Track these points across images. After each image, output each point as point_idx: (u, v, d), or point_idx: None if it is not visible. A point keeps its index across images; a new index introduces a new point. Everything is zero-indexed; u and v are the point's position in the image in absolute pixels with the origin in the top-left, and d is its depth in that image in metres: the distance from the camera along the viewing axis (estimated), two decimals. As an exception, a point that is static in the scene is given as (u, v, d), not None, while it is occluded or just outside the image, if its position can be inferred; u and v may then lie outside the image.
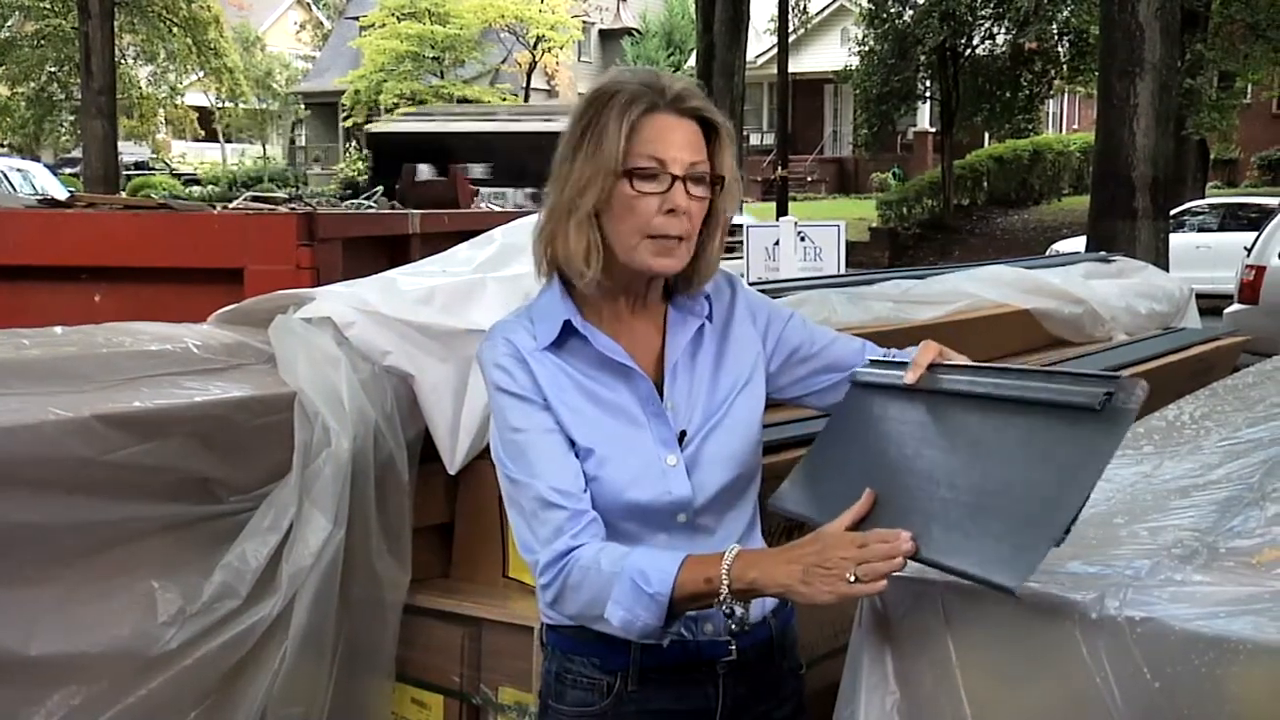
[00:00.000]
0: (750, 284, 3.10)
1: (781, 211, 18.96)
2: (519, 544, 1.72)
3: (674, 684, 1.75)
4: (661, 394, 1.76)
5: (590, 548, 1.64)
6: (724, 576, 1.54)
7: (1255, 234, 10.98)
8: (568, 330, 1.73)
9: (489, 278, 2.78)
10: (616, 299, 1.77)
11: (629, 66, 1.83)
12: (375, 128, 14.63)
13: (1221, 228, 16.17)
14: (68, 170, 28.60)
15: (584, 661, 1.76)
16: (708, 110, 1.73)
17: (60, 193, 12.46)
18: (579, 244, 1.69)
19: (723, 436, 1.77)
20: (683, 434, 1.74)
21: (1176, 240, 11.35)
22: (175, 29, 27.92)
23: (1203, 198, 19.68)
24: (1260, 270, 10.27)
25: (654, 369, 1.78)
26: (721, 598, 1.54)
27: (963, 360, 1.75)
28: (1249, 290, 10.31)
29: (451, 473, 2.58)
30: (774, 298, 3.47)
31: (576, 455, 1.70)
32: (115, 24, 19.57)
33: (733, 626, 1.58)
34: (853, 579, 1.44)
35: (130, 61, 29.52)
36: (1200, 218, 16.79)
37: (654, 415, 1.74)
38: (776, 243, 10.74)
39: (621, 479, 1.69)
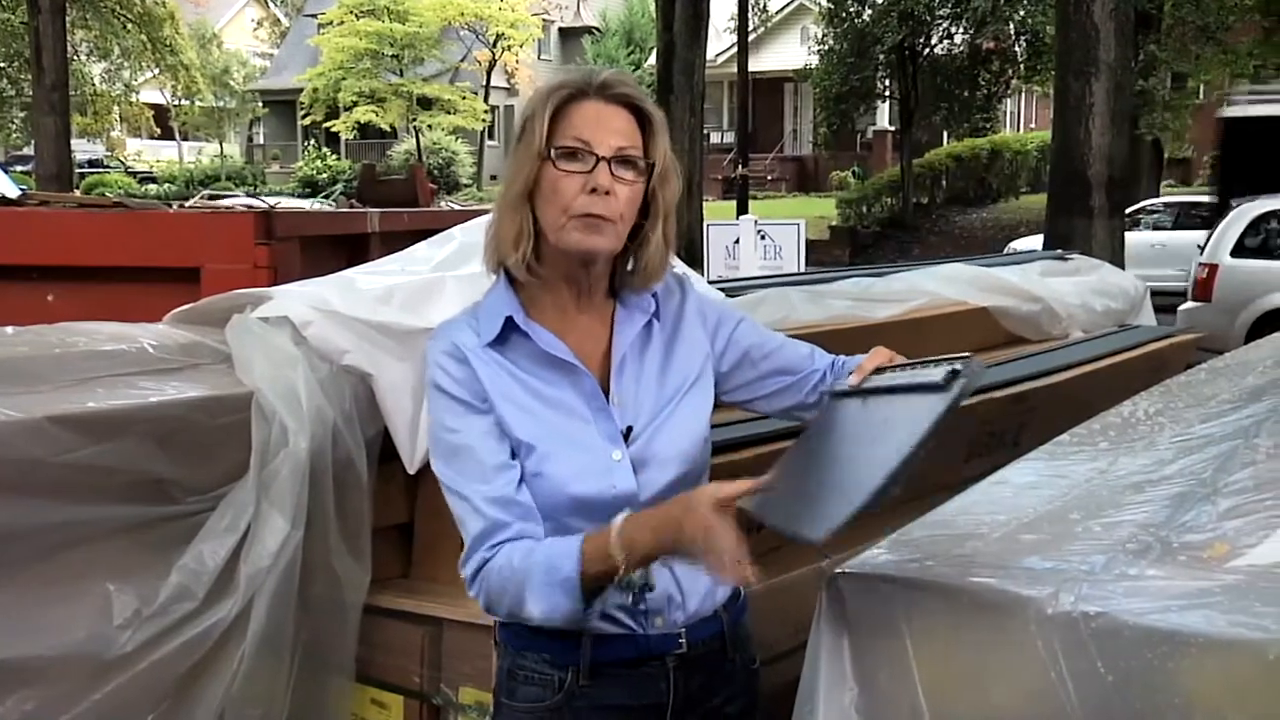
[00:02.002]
0: (710, 282, 3.12)
1: (742, 210, 19.01)
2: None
3: (626, 679, 1.76)
4: (607, 390, 1.77)
5: (503, 551, 1.66)
6: (615, 543, 1.59)
7: (1208, 232, 11.14)
8: (509, 326, 1.74)
9: (448, 276, 2.77)
10: (560, 292, 1.78)
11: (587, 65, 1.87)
12: (1230, 112, 13.68)
13: (1176, 226, 16.39)
14: (19, 168, 28.21)
15: (535, 658, 1.77)
16: (638, 98, 1.76)
17: (12, 191, 12.28)
18: (510, 228, 1.73)
19: (669, 434, 1.78)
20: (629, 430, 1.75)
21: (1131, 238, 11.48)
22: (129, 25, 27.60)
23: (1157, 196, 19.93)
24: (1213, 268, 10.42)
25: (600, 365, 1.78)
26: (621, 567, 1.59)
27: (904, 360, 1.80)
28: (1202, 288, 10.45)
29: (411, 472, 2.57)
30: (734, 296, 3.49)
31: (515, 454, 1.71)
32: (67, 19, 19.30)
33: (635, 592, 1.63)
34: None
35: (83, 58, 29.17)
36: (1155, 216, 17.03)
37: (598, 411, 1.75)
38: (736, 241, 10.79)
39: (565, 474, 1.70)
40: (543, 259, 1.74)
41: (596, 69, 1.80)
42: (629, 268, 1.80)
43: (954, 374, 1.49)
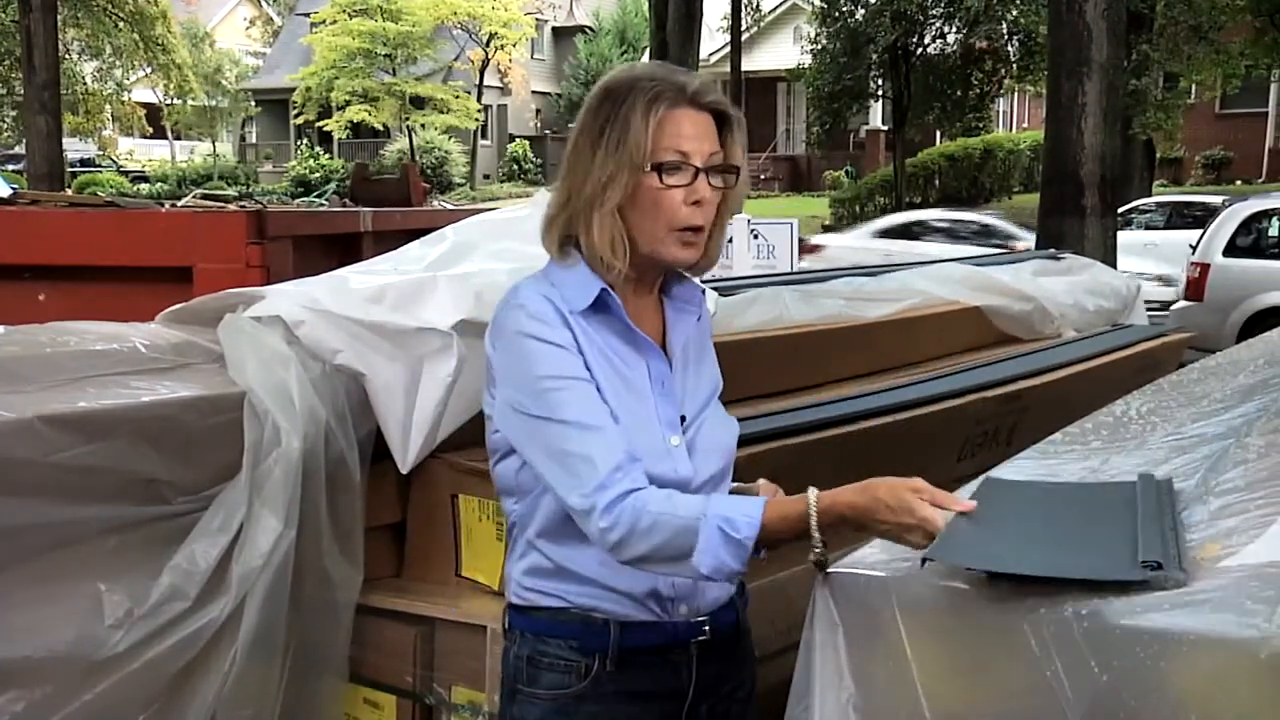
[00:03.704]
0: (703, 281, 3.11)
1: (735, 209, 18.98)
2: (557, 490, 1.67)
3: (651, 665, 1.78)
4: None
5: (656, 492, 1.63)
6: (811, 512, 1.58)
7: (1200, 232, 11.16)
8: (599, 301, 1.74)
9: (440, 276, 2.77)
10: (627, 283, 1.79)
11: (637, 63, 1.86)
12: None
13: (1168, 225, 16.41)
14: (10, 167, 28.14)
15: (560, 644, 1.77)
16: (723, 104, 1.77)
17: (3, 190, 12.25)
18: (604, 238, 1.71)
19: (713, 427, 1.84)
20: (683, 418, 1.79)
21: (1124, 237, 11.50)
22: (121, 24, 27.51)
23: (1149, 196, 19.96)
24: (1205, 268, 10.43)
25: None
26: (812, 531, 1.58)
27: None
28: (1194, 287, 10.47)
29: (403, 472, 2.56)
30: (727, 295, 3.49)
31: None
32: (59, 17, 19.23)
33: (818, 559, 1.60)
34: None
35: (75, 57, 29.07)
36: (1147, 215, 17.03)
37: (663, 395, 1.78)
38: (730, 240, 10.79)
39: (639, 453, 1.70)
40: (632, 263, 1.75)
41: (671, 68, 1.77)
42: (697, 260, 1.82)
43: (1154, 567, 1.43)
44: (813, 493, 1.60)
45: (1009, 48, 24.17)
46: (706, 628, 1.81)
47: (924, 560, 1.46)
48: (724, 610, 1.84)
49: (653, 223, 1.71)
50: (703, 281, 1.95)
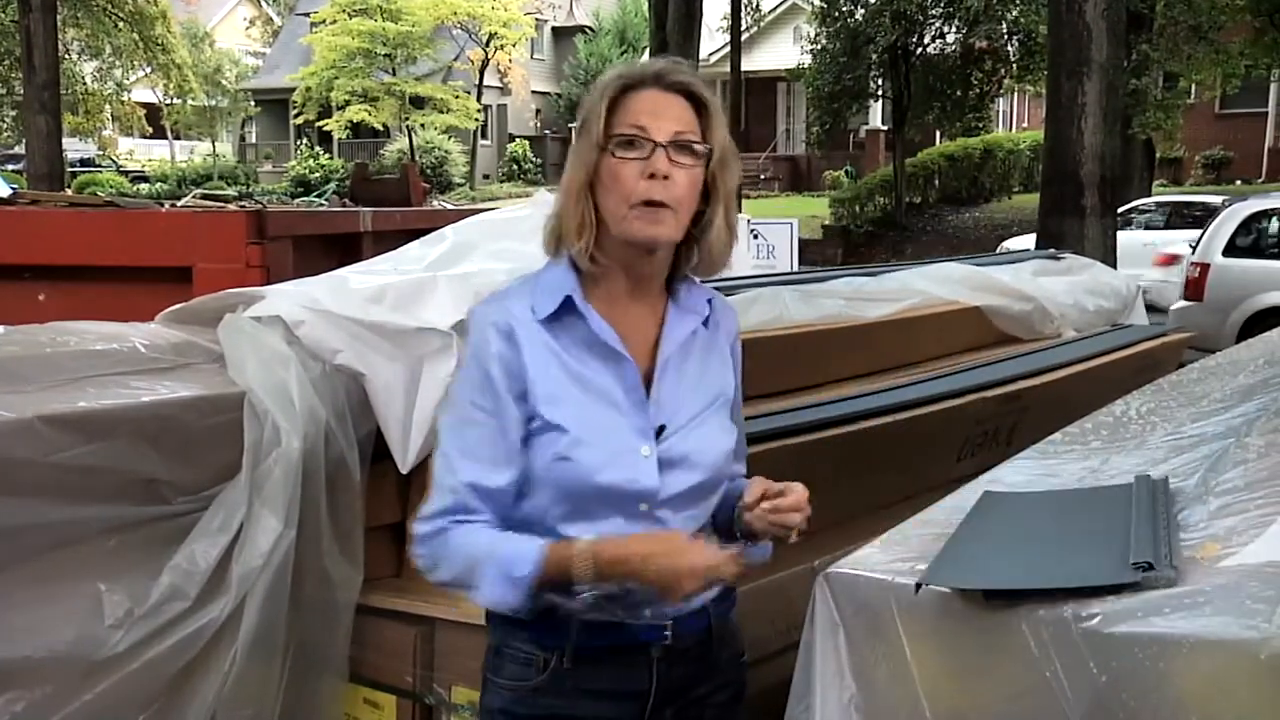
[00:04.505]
0: (703, 281, 3.11)
1: (735, 209, 18.97)
2: None
3: (610, 665, 1.78)
4: (649, 384, 1.78)
5: (468, 528, 1.73)
6: (578, 567, 1.66)
7: (1200, 232, 11.16)
8: (566, 306, 1.75)
9: (440, 276, 2.77)
10: (616, 280, 1.78)
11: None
12: None
13: (1168, 225, 16.41)
14: (10, 167, 28.12)
15: (523, 637, 1.79)
16: (694, 84, 1.77)
17: (3, 190, 12.25)
18: (573, 218, 1.74)
19: (700, 440, 1.80)
20: (663, 428, 1.77)
21: (1124, 238, 11.49)
22: (121, 23, 27.49)
23: (1149, 196, 19.95)
24: (1205, 267, 10.43)
25: (646, 358, 1.80)
26: (579, 585, 1.67)
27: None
28: (1194, 287, 10.47)
29: (403, 471, 2.56)
30: (728, 295, 3.48)
31: (546, 427, 1.72)
32: (58, 17, 19.22)
33: (589, 602, 1.69)
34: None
35: (74, 57, 29.05)
36: (1147, 215, 17.03)
37: (636, 404, 1.76)
38: (730, 240, 10.79)
39: (593, 462, 1.71)
40: (604, 248, 1.75)
41: (651, 59, 1.81)
42: (694, 255, 1.82)
43: (1146, 568, 1.43)
44: (582, 541, 1.68)
45: (1009, 48, 24.14)
46: (668, 632, 1.79)
47: (918, 585, 1.47)
48: (692, 617, 1.82)
49: (615, 200, 1.71)
50: (703, 282, 1.93)
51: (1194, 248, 10.84)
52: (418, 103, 35.57)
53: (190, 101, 36.05)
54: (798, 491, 1.76)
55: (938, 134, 28.44)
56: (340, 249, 4.61)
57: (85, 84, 30.37)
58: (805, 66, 25.32)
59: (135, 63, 30.44)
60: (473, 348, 1.77)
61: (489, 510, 1.75)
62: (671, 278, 1.84)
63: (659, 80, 1.75)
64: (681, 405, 1.80)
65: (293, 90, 36.26)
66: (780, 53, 31.57)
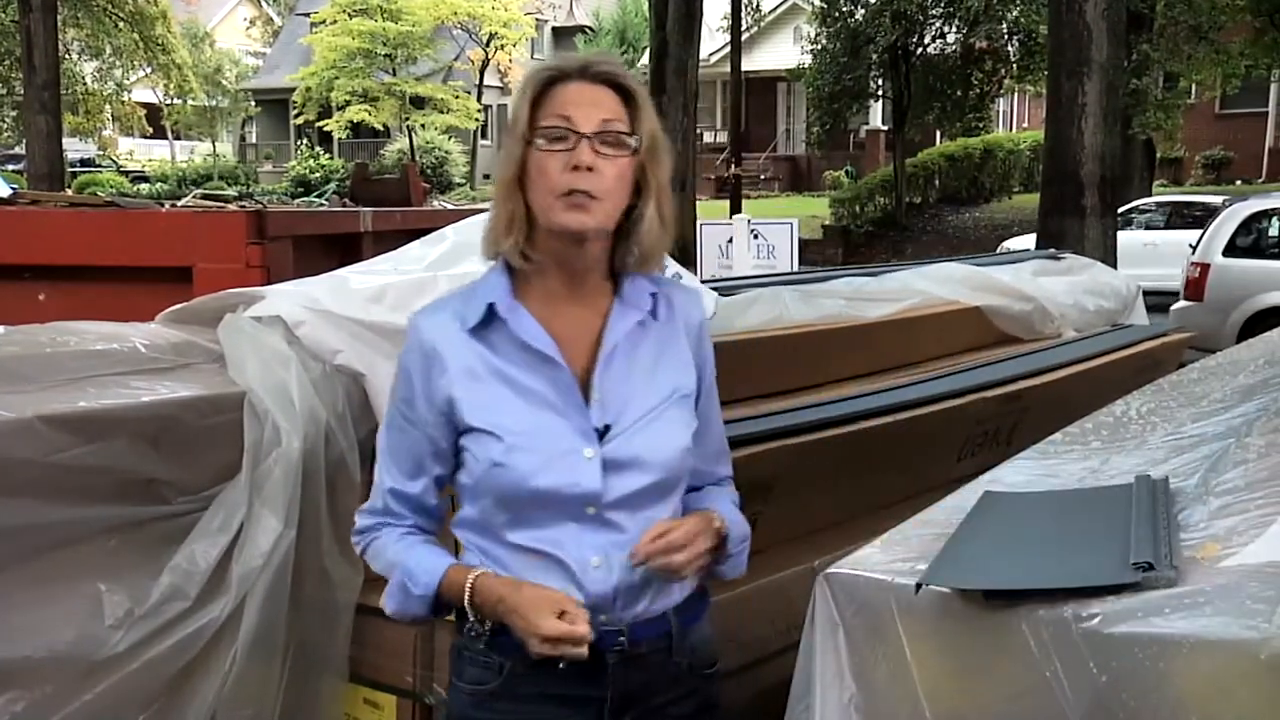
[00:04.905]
0: (704, 281, 3.12)
1: (735, 209, 19.04)
2: None
3: (565, 670, 1.74)
4: (591, 383, 1.75)
5: (389, 532, 1.82)
6: (467, 596, 1.72)
7: (1200, 232, 11.15)
8: (492, 313, 1.74)
9: (441, 275, 2.77)
10: (552, 278, 1.77)
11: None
12: None
13: (1168, 225, 16.41)
14: (10, 167, 28.12)
15: (481, 640, 1.78)
16: (620, 75, 1.76)
17: (3, 190, 12.25)
18: (501, 214, 1.75)
19: (650, 439, 1.76)
20: (608, 428, 1.74)
21: (1124, 238, 11.49)
22: (121, 24, 27.50)
23: (1149, 196, 19.95)
24: (1205, 267, 10.43)
25: (587, 356, 1.77)
26: (465, 605, 1.73)
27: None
28: (1194, 287, 10.47)
29: (404, 472, 2.56)
30: (727, 295, 3.49)
31: (480, 435, 1.73)
32: (59, 17, 19.22)
33: (476, 633, 1.76)
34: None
35: (75, 57, 29.05)
36: (1147, 215, 17.04)
37: (575, 406, 1.74)
38: (730, 240, 10.80)
39: (528, 467, 1.70)
40: (536, 244, 1.74)
41: (576, 54, 1.80)
42: (628, 251, 1.78)
43: (1146, 568, 1.43)
44: (475, 571, 1.73)
45: (1009, 48, 24.14)
46: (623, 638, 1.76)
47: (918, 585, 1.47)
48: (652, 623, 1.79)
49: (542, 192, 1.70)
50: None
51: (1194, 248, 10.84)
52: (418, 103, 35.57)
53: (190, 101, 36.08)
54: (683, 530, 1.72)
55: (938, 134, 28.46)
56: (340, 249, 4.61)
57: (85, 84, 30.38)
58: (805, 66, 25.33)
59: (135, 63, 30.45)
60: (401, 357, 1.81)
61: (411, 514, 1.82)
62: (619, 275, 1.81)
63: (584, 72, 1.74)
64: (630, 403, 1.76)
65: (293, 90, 36.28)
66: (780, 53, 31.58)
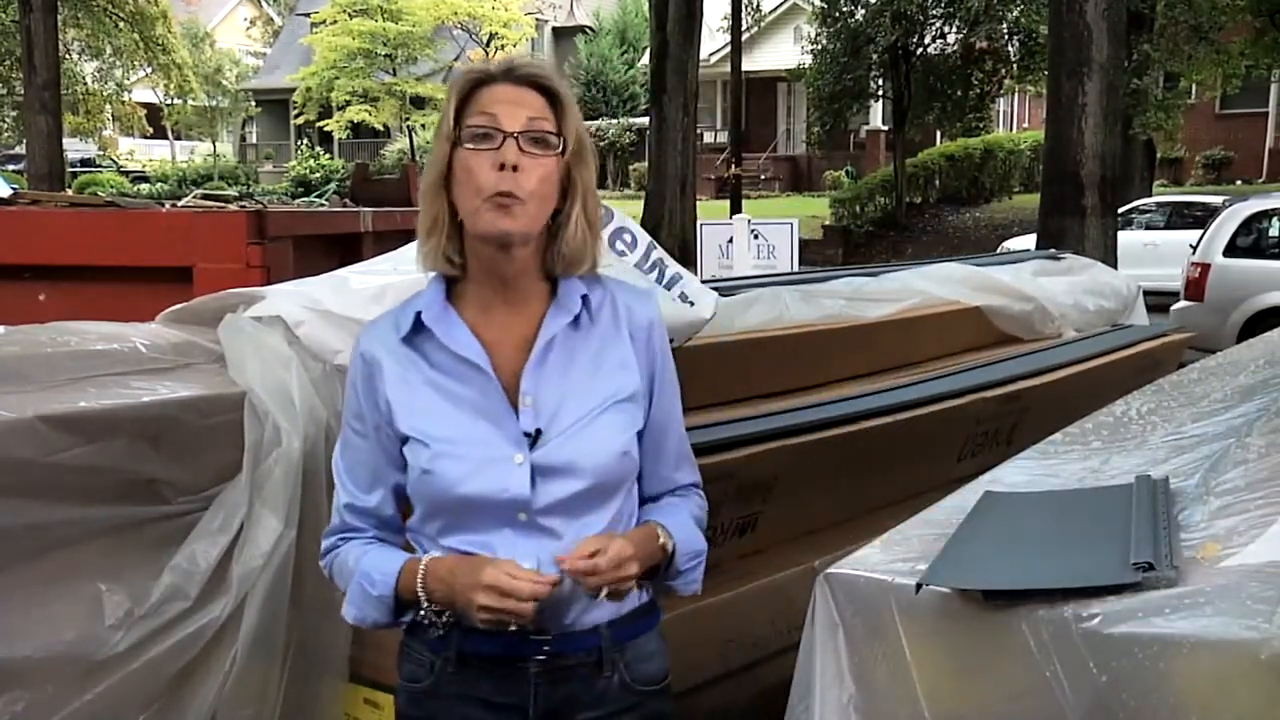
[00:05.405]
0: (704, 281, 3.11)
1: (735, 209, 19.01)
2: None
3: (491, 675, 1.75)
4: (519, 386, 1.73)
5: (348, 546, 1.82)
6: (419, 584, 1.71)
7: (1201, 232, 11.15)
8: (420, 322, 1.75)
9: (441, 276, 2.76)
10: (483, 284, 1.76)
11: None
12: None
13: (1168, 226, 16.41)
14: (11, 167, 28.13)
15: (418, 639, 1.80)
16: (546, 77, 1.75)
17: (3, 190, 12.26)
18: (425, 217, 1.76)
19: (584, 443, 1.73)
20: (539, 433, 1.71)
21: (1124, 238, 11.49)
22: (121, 24, 27.50)
23: (1150, 196, 19.95)
24: (1205, 268, 10.43)
25: (520, 361, 1.75)
26: (421, 605, 1.72)
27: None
28: (1194, 287, 10.47)
29: (404, 472, 2.56)
30: (727, 295, 3.49)
31: (412, 443, 1.73)
32: (59, 17, 19.23)
33: (438, 629, 1.74)
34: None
35: (75, 57, 29.06)
36: (1148, 215, 17.04)
37: (505, 411, 1.72)
38: (730, 240, 10.80)
39: (455, 474, 1.70)
40: (464, 249, 1.74)
41: (507, 57, 1.80)
42: (556, 253, 1.76)
43: (1146, 568, 1.43)
44: (426, 559, 1.73)
45: (1009, 48, 24.14)
46: (545, 648, 1.73)
47: (918, 585, 1.47)
48: (579, 636, 1.75)
49: (468, 193, 1.69)
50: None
51: (1194, 248, 10.84)
52: (418, 103, 35.56)
53: (190, 102, 36.05)
54: (613, 552, 1.65)
55: (938, 134, 28.45)
56: (341, 249, 4.61)
57: (86, 84, 30.38)
58: (806, 66, 25.32)
59: (136, 63, 30.45)
60: (348, 373, 1.83)
61: (371, 527, 1.82)
62: (555, 278, 1.79)
63: (510, 74, 1.73)
64: (564, 407, 1.73)
65: (293, 90, 36.27)
66: (781, 53, 31.56)
